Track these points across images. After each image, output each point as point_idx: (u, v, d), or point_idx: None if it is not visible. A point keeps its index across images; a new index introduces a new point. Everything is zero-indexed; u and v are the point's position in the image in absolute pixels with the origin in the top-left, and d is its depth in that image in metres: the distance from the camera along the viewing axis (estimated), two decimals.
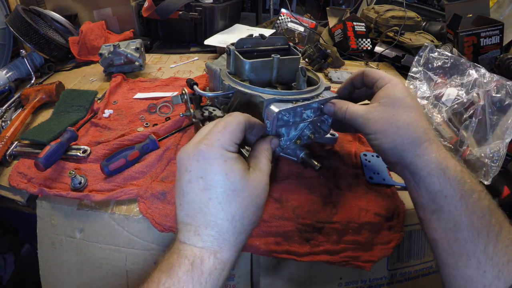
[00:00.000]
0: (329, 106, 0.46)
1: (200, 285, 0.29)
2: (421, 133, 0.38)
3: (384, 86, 0.42)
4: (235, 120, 0.35)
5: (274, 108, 0.40)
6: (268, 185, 0.36)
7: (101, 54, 0.82)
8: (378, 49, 1.05)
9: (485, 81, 0.63)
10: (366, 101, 0.47)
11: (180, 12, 1.02)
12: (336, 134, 0.57)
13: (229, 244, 0.32)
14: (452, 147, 0.61)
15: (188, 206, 0.32)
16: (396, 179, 0.55)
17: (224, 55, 0.52)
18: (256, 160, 0.37)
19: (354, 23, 1.05)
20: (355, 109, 0.43)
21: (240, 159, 0.34)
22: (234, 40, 0.49)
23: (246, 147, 0.47)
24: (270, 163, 0.38)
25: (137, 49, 0.85)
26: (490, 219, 0.34)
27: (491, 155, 0.56)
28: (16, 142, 0.58)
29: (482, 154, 0.57)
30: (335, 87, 0.85)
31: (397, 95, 0.40)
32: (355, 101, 0.48)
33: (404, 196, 0.52)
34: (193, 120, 0.54)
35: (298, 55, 0.49)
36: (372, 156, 0.59)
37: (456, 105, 0.64)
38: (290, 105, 0.41)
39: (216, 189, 0.31)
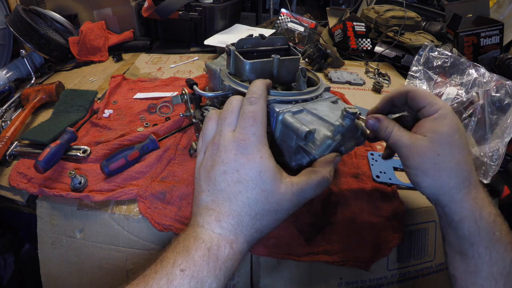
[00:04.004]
0: (373, 121, 0.41)
1: (214, 272, 0.30)
2: (463, 178, 0.36)
3: (432, 116, 0.37)
4: (260, 108, 0.36)
5: (275, 108, 0.40)
6: (299, 206, 0.35)
7: None
8: (378, 49, 1.05)
9: (484, 80, 0.63)
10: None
11: (180, 12, 1.02)
12: None
13: (244, 237, 0.33)
14: None
15: (217, 193, 0.34)
16: (402, 178, 0.55)
17: (224, 55, 0.52)
18: (308, 177, 0.36)
19: (354, 23, 1.05)
20: (401, 135, 0.38)
21: (272, 156, 0.35)
22: (234, 40, 0.49)
23: None
24: (321, 188, 0.36)
25: None
26: (510, 272, 0.34)
27: (490, 154, 0.56)
28: (16, 142, 0.58)
29: (482, 153, 0.57)
30: (334, 87, 0.85)
31: (446, 131, 0.36)
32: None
33: (405, 196, 0.52)
34: (193, 120, 0.54)
35: (298, 55, 0.49)
36: (379, 155, 0.59)
37: (456, 105, 0.64)
38: (290, 106, 0.41)
39: (248, 184, 0.33)
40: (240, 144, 0.34)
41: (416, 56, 0.76)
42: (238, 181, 0.33)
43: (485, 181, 0.55)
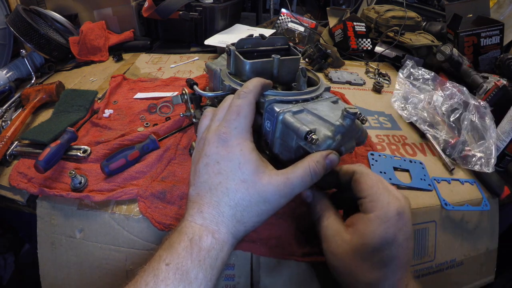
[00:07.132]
0: (309, 193, 0.39)
1: (199, 262, 0.30)
2: None
3: (368, 214, 0.32)
4: (246, 103, 0.36)
5: (275, 108, 0.40)
6: (287, 198, 0.34)
7: None
8: (378, 49, 1.05)
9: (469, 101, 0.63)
10: None
11: (181, 12, 1.02)
12: None
13: (227, 227, 0.33)
14: (453, 147, 0.61)
15: (200, 185, 0.34)
16: (402, 178, 0.55)
17: (224, 55, 0.52)
18: (293, 167, 0.35)
19: (355, 23, 1.05)
20: (327, 226, 0.36)
21: (255, 150, 0.35)
22: (234, 40, 0.49)
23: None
24: (310, 178, 0.34)
25: None
26: None
27: (488, 152, 0.56)
28: (16, 142, 0.58)
29: (482, 154, 0.57)
30: (335, 87, 0.85)
31: (375, 244, 0.31)
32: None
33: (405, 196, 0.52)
34: (193, 120, 0.54)
35: (298, 55, 0.49)
36: (379, 155, 0.59)
37: (455, 105, 0.64)
38: (290, 106, 0.41)
39: (228, 175, 0.33)
40: (221, 137, 0.35)
41: (400, 70, 0.78)
42: (218, 172, 0.34)
43: (487, 170, 0.55)
